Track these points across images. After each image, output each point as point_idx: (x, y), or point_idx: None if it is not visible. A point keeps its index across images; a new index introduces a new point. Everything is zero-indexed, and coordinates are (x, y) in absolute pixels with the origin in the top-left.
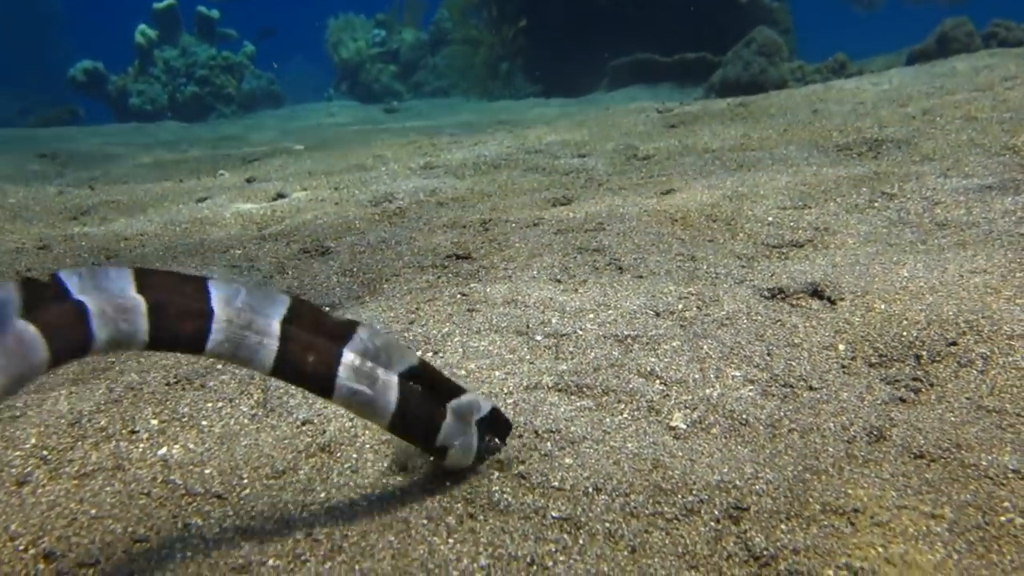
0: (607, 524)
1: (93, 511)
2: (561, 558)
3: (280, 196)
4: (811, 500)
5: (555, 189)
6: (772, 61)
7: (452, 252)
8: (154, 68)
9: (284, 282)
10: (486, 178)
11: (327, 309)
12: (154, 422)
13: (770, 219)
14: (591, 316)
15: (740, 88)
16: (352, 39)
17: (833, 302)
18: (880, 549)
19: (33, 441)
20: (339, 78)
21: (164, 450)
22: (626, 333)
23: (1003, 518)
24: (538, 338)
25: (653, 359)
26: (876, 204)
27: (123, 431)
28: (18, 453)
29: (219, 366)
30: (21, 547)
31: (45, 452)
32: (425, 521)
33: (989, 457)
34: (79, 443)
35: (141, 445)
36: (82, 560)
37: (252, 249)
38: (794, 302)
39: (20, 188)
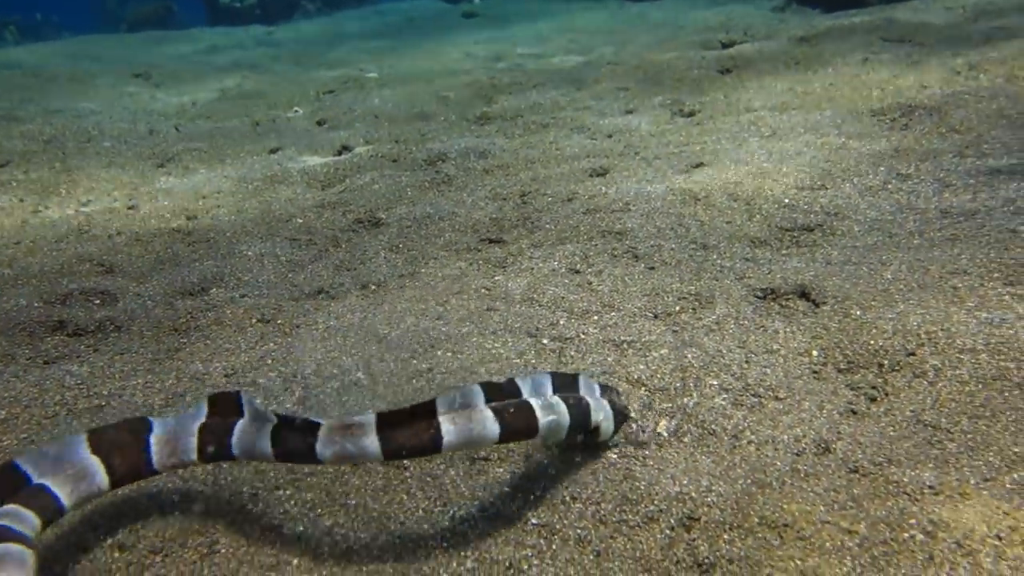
0: (579, 530)
1: (158, 508)
2: (536, 561)
3: (345, 149)
4: (752, 513)
5: (595, 157)
6: None
7: (487, 236)
8: None
9: (337, 255)
10: (535, 138)
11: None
12: None
13: (787, 200)
14: (595, 319)
15: None
16: None
17: (817, 305)
18: (798, 562)
19: None
20: None
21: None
22: (623, 338)
23: (906, 534)
24: (545, 341)
25: (642, 366)
26: (889, 186)
27: None
28: None
29: (268, 361)
30: (101, 536)
31: None
32: (425, 525)
33: (912, 473)
34: None
35: None
36: (152, 548)
37: (312, 218)
38: (783, 303)
39: (116, 126)
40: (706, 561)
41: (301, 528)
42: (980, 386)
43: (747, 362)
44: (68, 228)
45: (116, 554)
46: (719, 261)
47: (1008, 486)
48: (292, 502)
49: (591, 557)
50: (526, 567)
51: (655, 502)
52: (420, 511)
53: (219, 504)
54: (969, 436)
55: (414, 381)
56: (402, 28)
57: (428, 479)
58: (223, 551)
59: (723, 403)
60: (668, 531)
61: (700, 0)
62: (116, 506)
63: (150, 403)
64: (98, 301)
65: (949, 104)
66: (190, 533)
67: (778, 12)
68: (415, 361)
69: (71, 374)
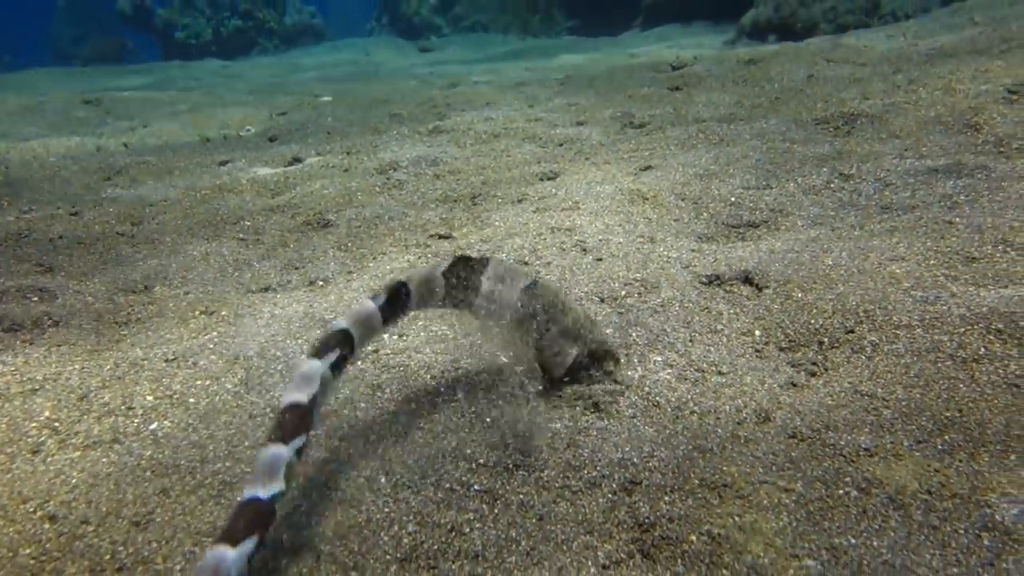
0: (521, 496)
1: (91, 480)
2: (477, 525)
3: (296, 160)
4: (693, 476)
5: (545, 163)
6: (803, 2)
7: (436, 232)
8: (198, 1)
9: (285, 254)
10: (486, 147)
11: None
12: (150, 398)
13: (733, 199)
14: None
15: (771, 30)
16: None
17: (760, 289)
18: (736, 518)
19: (47, 413)
20: (380, 11)
21: (155, 425)
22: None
23: (841, 491)
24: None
25: None
26: (832, 185)
27: (122, 407)
28: (34, 424)
29: (210, 345)
30: (31, 509)
31: (57, 424)
32: (367, 493)
33: (848, 437)
34: (85, 416)
35: (136, 420)
36: (83, 519)
37: (260, 220)
38: (728, 288)
39: (63, 141)
40: (647, 521)
41: (240, 497)
42: (915, 358)
43: (691, 341)
44: (7, 233)
45: (46, 525)
46: (666, 253)
47: (940, 447)
48: (231, 473)
49: (533, 521)
50: (468, 530)
51: (598, 468)
52: (362, 479)
53: (156, 477)
54: (904, 403)
55: (359, 363)
56: (358, 60)
57: (370, 448)
58: (159, 520)
59: (667, 377)
60: (610, 495)
61: (652, 36)
62: (48, 478)
63: (87, 385)
64: (36, 298)
65: (890, 113)
66: (124, 504)
67: (729, 45)
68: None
69: (5, 363)
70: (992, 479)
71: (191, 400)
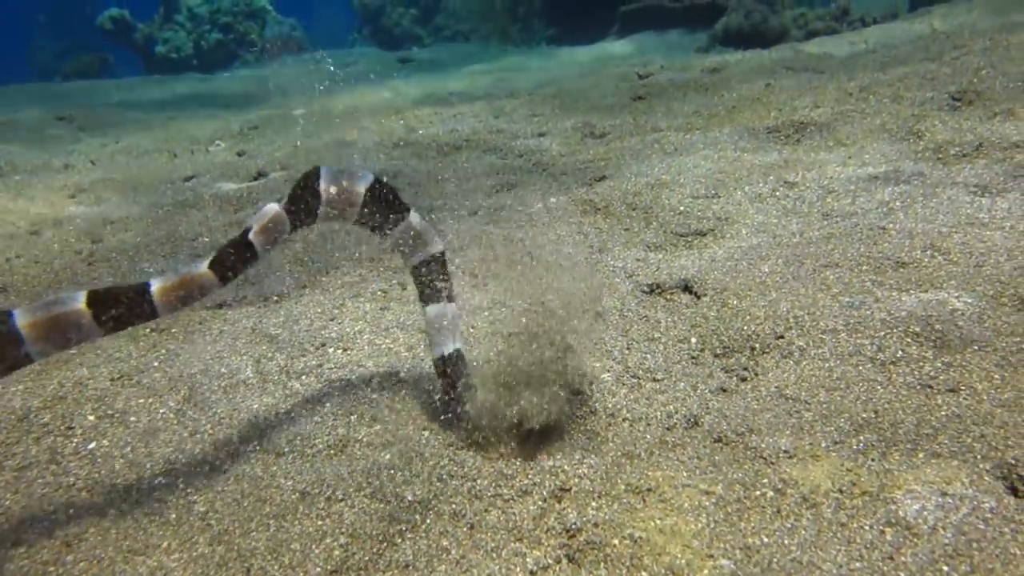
0: (453, 505)
1: (24, 501)
2: (409, 535)
3: (260, 175)
4: (619, 481)
5: (504, 174)
6: (774, 9)
7: None
8: (179, 15)
9: None
10: (447, 159)
11: (276, 298)
12: (91, 418)
13: (682, 208)
14: (486, 314)
15: (742, 37)
16: None
17: (699, 297)
18: (658, 521)
19: None
20: (361, 23)
21: (94, 444)
22: (510, 331)
23: (758, 492)
24: None
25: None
26: (777, 193)
27: (62, 427)
28: None
29: (155, 363)
30: None
31: None
32: (300, 507)
33: (770, 440)
34: (24, 438)
35: (75, 440)
36: (14, 542)
37: (218, 237)
38: (668, 297)
39: (30, 162)
40: (574, 527)
41: (175, 515)
42: (838, 362)
43: (628, 348)
44: None
45: None
46: (612, 262)
47: (855, 447)
48: (166, 490)
49: (464, 530)
50: (400, 540)
51: (529, 476)
52: (297, 493)
53: (90, 499)
54: (825, 406)
55: (303, 377)
56: (336, 73)
57: (306, 462)
58: (90, 539)
59: (603, 384)
60: (541, 502)
61: (628, 43)
62: None
63: (28, 406)
64: None
65: (838, 121)
66: (56, 525)
67: (701, 52)
68: (305, 358)
69: None
70: (900, 477)
71: (132, 419)
